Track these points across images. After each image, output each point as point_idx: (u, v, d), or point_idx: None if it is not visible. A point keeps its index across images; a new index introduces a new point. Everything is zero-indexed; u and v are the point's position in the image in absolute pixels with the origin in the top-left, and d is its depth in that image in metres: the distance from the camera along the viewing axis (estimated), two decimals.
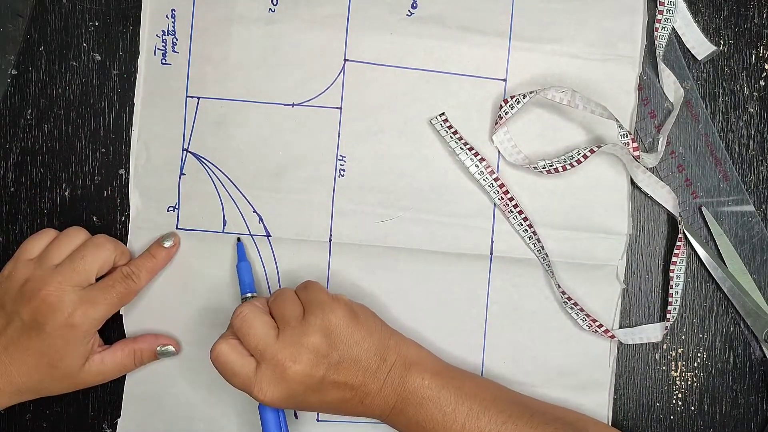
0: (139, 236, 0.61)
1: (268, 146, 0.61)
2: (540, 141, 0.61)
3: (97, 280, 0.57)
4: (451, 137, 0.60)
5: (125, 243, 0.60)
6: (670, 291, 0.60)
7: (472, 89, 0.61)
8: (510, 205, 0.60)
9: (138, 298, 0.60)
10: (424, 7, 0.61)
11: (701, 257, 0.61)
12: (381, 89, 0.61)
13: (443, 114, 0.61)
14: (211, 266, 0.60)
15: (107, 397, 0.61)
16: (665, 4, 0.60)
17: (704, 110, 0.61)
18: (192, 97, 0.61)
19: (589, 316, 0.60)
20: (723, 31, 0.61)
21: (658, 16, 0.60)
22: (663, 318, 0.61)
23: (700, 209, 0.61)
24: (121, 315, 0.60)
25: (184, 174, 0.61)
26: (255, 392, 0.52)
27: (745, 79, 0.61)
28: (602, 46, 0.60)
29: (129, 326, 0.61)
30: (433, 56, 0.61)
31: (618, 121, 0.58)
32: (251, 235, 0.61)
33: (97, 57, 0.61)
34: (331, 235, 0.61)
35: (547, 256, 0.60)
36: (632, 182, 0.61)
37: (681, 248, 0.60)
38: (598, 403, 0.60)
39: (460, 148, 0.60)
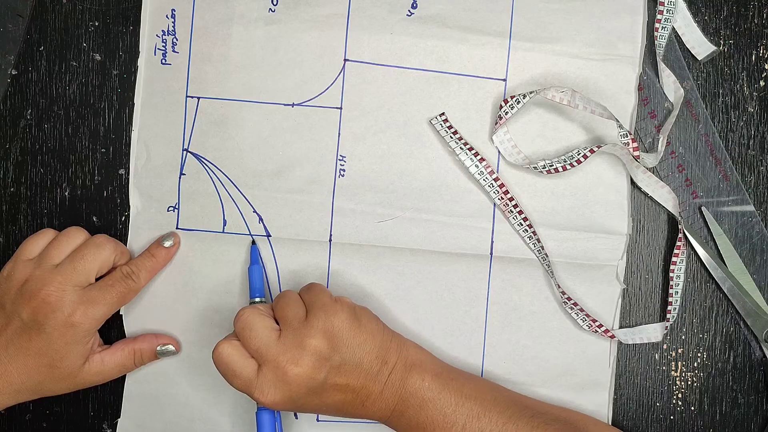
0: (139, 236, 0.61)
1: (268, 146, 0.61)
2: (540, 141, 0.61)
3: (97, 280, 0.57)
4: (451, 137, 0.60)
5: (125, 243, 0.60)
6: (670, 291, 0.60)
7: (472, 89, 0.61)
8: (510, 205, 0.60)
9: (138, 298, 0.60)
10: (424, 7, 0.61)
11: (701, 257, 0.61)
12: (381, 89, 0.61)
13: (443, 114, 0.61)
14: (211, 266, 0.60)
15: (107, 397, 0.61)
16: (665, 4, 0.60)
17: (704, 110, 0.61)
18: (192, 97, 0.61)
19: (589, 316, 0.60)
20: (723, 31, 0.61)
21: (658, 16, 0.60)
22: (663, 318, 0.61)
23: (700, 209, 0.61)
24: (121, 315, 0.60)
25: (184, 174, 0.61)
26: (256, 394, 0.52)
27: (745, 79, 0.61)
28: (602, 46, 0.60)
29: (129, 326, 0.61)
30: (433, 56, 0.61)
31: (618, 121, 0.58)
32: (251, 235, 0.61)
33: (97, 57, 0.61)
34: (331, 235, 0.61)
35: (547, 256, 0.60)
36: (632, 182, 0.61)
37: (681, 248, 0.60)
38: (598, 403, 0.60)
39: (460, 148, 0.60)
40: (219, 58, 0.61)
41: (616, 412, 0.61)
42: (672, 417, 0.61)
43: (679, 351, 0.61)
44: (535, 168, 0.59)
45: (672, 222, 0.61)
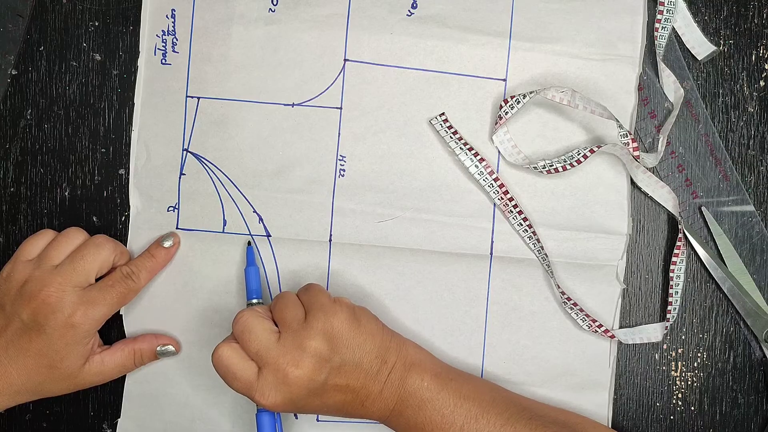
0: (139, 236, 0.61)
1: (268, 146, 0.61)
2: (540, 141, 0.61)
3: (97, 280, 0.57)
4: (451, 137, 0.60)
5: (125, 243, 0.60)
6: (670, 291, 0.60)
7: (472, 89, 0.61)
8: (510, 205, 0.60)
9: (138, 298, 0.60)
10: (424, 7, 0.61)
11: (701, 257, 0.61)
12: (381, 89, 0.61)
13: (443, 114, 0.61)
14: (211, 266, 0.60)
15: (107, 397, 0.61)
16: (665, 4, 0.60)
17: (704, 110, 0.61)
18: (192, 97, 0.61)
19: (589, 316, 0.60)
20: (723, 31, 0.61)
21: (658, 16, 0.60)
22: (663, 318, 0.61)
23: (700, 209, 0.61)
24: (121, 315, 0.60)
25: (184, 174, 0.61)
26: (257, 397, 0.52)
27: (745, 79, 0.61)
28: (602, 46, 0.60)
29: (129, 326, 0.61)
30: (433, 56, 0.61)
31: (618, 121, 0.58)
32: (251, 235, 0.61)
33: (97, 57, 0.61)
34: (331, 235, 0.61)
35: (547, 256, 0.60)
36: (632, 182, 0.61)
37: (681, 248, 0.60)
38: (598, 404, 0.60)
39: (460, 148, 0.60)
40: (219, 58, 0.61)
41: (616, 412, 0.61)
42: (672, 417, 0.61)
43: (679, 351, 0.61)
44: (535, 168, 0.59)
45: (672, 222, 0.61)
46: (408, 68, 0.61)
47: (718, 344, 0.61)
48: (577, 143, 0.61)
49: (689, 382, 0.61)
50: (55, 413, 0.61)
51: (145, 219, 0.61)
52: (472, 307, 0.61)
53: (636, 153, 0.58)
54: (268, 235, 0.61)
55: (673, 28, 0.61)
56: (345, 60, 0.61)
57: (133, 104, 0.61)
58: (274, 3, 0.61)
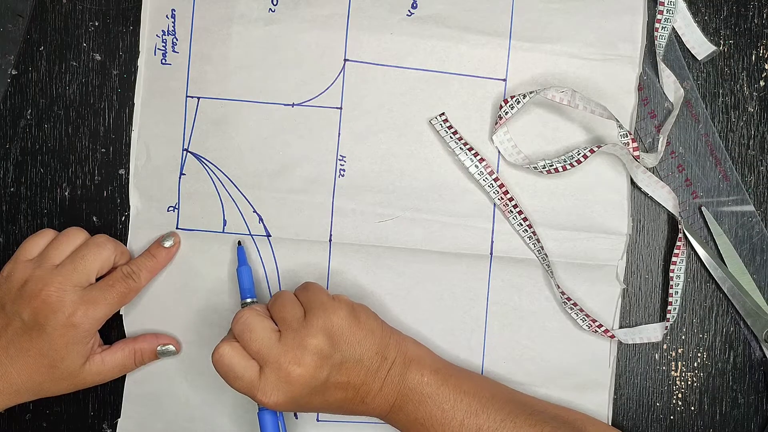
0: (139, 236, 0.61)
1: (268, 146, 0.61)
2: (540, 141, 0.61)
3: (97, 280, 0.57)
4: (451, 137, 0.60)
5: (125, 243, 0.60)
6: (670, 291, 0.60)
7: (472, 89, 0.61)
8: (510, 205, 0.60)
9: (138, 298, 0.60)
10: (424, 7, 0.61)
11: (701, 257, 0.61)
12: (381, 89, 0.61)
13: (443, 114, 0.61)
14: (211, 266, 0.60)
15: (107, 397, 0.61)
16: (665, 4, 0.60)
17: (704, 110, 0.61)
18: (192, 97, 0.61)
19: (589, 316, 0.60)
20: (723, 31, 0.61)
21: (658, 16, 0.60)
22: (663, 318, 0.61)
23: (700, 209, 0.61)
24: (121, 315, 0.60)
25: (184, 174, 0.61)
26: (259, 396, 0.52)
27: (745, 79, 0.61)
28: (602, 46, 0.60)
29: (129, 326, 0.61)
30: (433, 56, 0.61)
31: (618, 121, 0.58)
32: (251, 235, 0.61)
33: (97, 57, 0.61)
34: (331, 235, 0.61)
35: (547, 256, 0.60)
36: (632, 182, 0.61)
37: (681, 248, 0.60)
38: (598, 403, 0.60)
39: (460, 148, 0.60)
40: (219, 58, 0.61)
41: (616, 412, 0.61)
42: (672, 417, 0.61)
43: (679, 351, 0.61)
44: (535, 168, 0.59)
45: (672, 222, 0.61)
46: (408, 68, 0.61)
47: (718, 344, 0.61)
48: (577, 143, 0.61)
49: (689, 382, 0.61)
50: (55, 413, 0.61)
51: (145, 219, 0.61)
52: (472, 307, 0.61)
53: (636, 153, 0.58)
54: (268, 235, 0.61)
55: (673, 28, 0.61)
56: (345, 60, 0.61)
57: (133, 104, 0.61)
58: (274, 3, 0.61)
